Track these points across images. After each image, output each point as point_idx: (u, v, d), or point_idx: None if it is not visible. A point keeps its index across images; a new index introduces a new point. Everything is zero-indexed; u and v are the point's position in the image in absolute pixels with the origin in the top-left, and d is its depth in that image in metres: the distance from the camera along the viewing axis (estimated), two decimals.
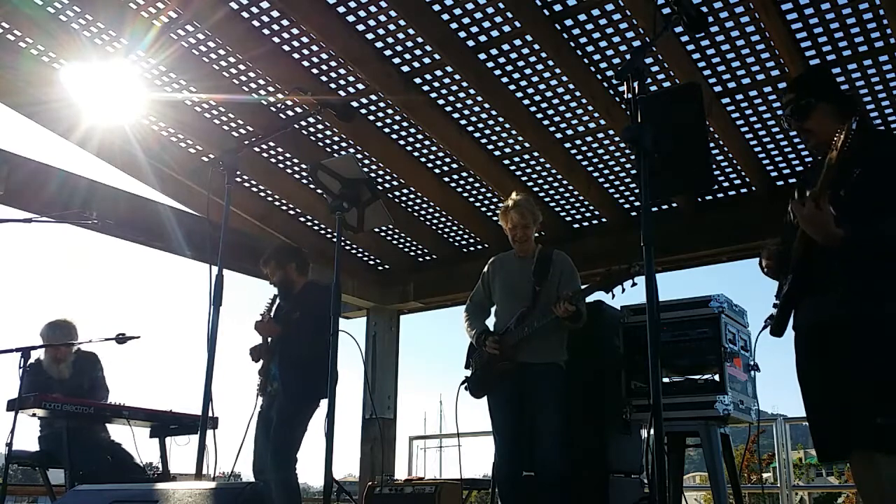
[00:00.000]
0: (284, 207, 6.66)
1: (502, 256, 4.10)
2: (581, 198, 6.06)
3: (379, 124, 5.50)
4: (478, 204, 6.39)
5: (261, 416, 4.20)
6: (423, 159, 5.88)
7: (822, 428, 2.41)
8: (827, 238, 2.26)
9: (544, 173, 5.84)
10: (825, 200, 2.23)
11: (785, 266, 2.50)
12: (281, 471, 3.90)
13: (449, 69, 4.82)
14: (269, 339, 4.24)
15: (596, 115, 5.07)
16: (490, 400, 3.87)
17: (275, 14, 4.59)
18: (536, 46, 4.53)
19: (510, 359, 3.74)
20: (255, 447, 4.15)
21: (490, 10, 4.36)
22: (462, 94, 5.07)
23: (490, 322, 4.03)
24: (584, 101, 4.96)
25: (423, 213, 6.62)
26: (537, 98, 5.02)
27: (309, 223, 6.87)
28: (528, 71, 4.78)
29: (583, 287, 3.74)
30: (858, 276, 2.31)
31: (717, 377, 3.71)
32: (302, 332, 3.99)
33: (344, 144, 5.75)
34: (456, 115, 5.29)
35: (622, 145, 5.36)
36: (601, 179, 5.83)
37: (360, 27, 4.60)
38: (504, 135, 5.44)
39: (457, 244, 7.01)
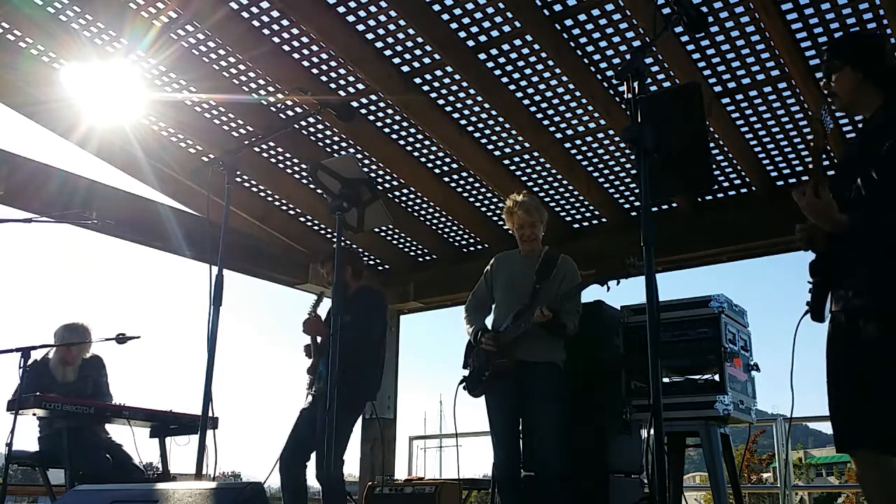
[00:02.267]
0: (284, 207, 6.66)
1: (507, 254, 4.11)
2: (581, 198, 6.06)
3: (379, 124, 5.50)
4: (478, 204, 6.38)
5: (304, 411, 4.22)
6: (423, 159, 5.88)
7: (837, 419, 2.37)
8: (832, 226, 2.22)
9: (544, 173, 5.84)
10: (824, 187, 2.18)
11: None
12: (335, 476, 3.92)
13: (449, 69, 4.82)
14: (319, 339, 4.26)
15: (596, 115, 5.07)
16: (488, 399, 3.87)
17: (275, 14, 4.59)
18: (536, 46, 4.53)
19: (507, 356, 3.74)
20: (291, 436, 4.15)
21: (490, 10, 4.35)
22: (462, 94, 5.07)
23: (489, 320, 4.03)
24: (584, 101, 4.96)
25: (423, 213, 6.62)
26: (537, 98, 5.02)
27: (309, 223, 6.87)
28: (528, 71, 4.78)
29: (576, 284, 3.75)
30: (873, 267, 2.26)
31: (717, 377, 3.71)
32: (351, 335, 4.01)
33: (344, 144, 5.75)
34: (456, 115, 5.29)
35: (622, 145, 5.36)
36: (601, 179, 5.83)
37: (360, 27, 4.60)
38: (504, 135, 5.44)
39: (457, 244, 7.01)
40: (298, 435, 4.13)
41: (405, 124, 5.45)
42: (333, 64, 4.93)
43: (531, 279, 3.84)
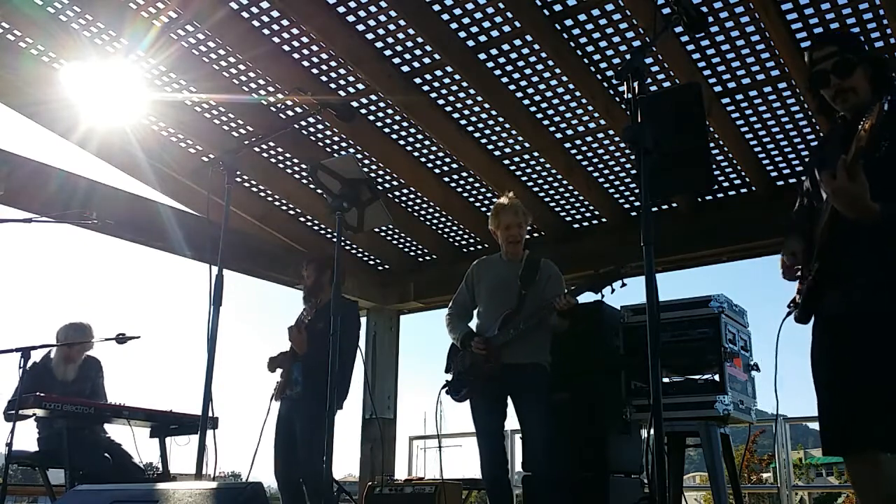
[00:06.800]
0: (284, 207, 6.66)
1: (488, 259, 4.09)
2: (581, 198, 6.06)
3: (379, 124, 5.50)
4: (478, 204, 6.38)
5: (280, 420, 4.23)
6: (423, 159, 5.88)
7: (831, 421, 2.33)
8: (861, 213, 2.08)
9: (544, 173, 5.84)
10: (859, 171, 2.03)
11: (808, 259, 2.39)
12: (318, 474, 3.92)
13: (449, 69, 4.82)
14: (292, 346, 4.27)
15: (596, 115, 5.07)
16: (473, 402, 3.84)
17: (275, 14, 4.59)
18: (536, 46, 4.53)
19: (496, 360, 3.71)
20: (276, 452, 4.18)
21: (490, 10, 4.35)
22: (462, 94, 5.07)
23: (472, 324, 3.99)
24: (584, 101, 4.96)
25: (423, 213, 6.62)
26: (537, 98, 5.02)
27: (309, 223, 6.87)
28: (528, 71, 4.78)
29: (571, 288, 3.73)
30: (883, 266, 2.21)
31: (717, 377, 3.71)
32: (325, 341, 4.01)
33: (344, 144, 5.75)
34: (456, 115, 5.29)
35: (622, 145, 5.36)
36: (601, 179, 5.83)
37: (360, 27, 4.60)
38: (504, 135, 5.44)
39: (457, 244, 7.01)
40: (286, 450, 4.14)
41: (405, 124, 5.45)
42: (333, 64, 4.93)
43: (516, 285, 3.83)
